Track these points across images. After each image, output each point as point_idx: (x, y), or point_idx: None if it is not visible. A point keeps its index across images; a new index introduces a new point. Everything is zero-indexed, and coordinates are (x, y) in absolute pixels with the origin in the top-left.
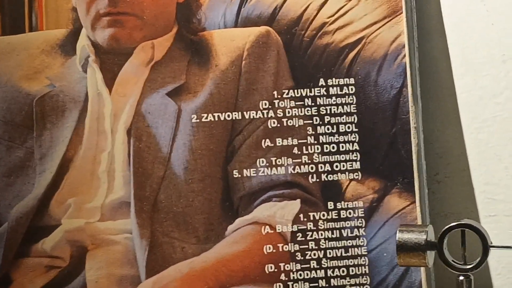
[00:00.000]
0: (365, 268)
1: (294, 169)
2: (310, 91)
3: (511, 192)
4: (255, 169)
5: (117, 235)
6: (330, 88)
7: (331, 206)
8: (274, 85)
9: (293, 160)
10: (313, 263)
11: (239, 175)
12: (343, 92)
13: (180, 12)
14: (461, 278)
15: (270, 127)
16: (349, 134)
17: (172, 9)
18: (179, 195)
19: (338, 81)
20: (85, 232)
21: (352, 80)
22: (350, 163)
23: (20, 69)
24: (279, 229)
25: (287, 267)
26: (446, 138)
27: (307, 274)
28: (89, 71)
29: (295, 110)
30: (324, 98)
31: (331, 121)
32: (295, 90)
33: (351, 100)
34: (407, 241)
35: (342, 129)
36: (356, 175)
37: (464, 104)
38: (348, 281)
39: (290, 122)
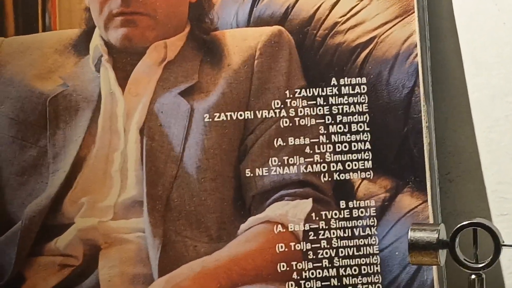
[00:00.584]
0: (377, 267)
1: (306, 168)
2: (322, 91)
3: None
4: (267, 168)
5: (129, 234)
6: (342, 88)
7: (343, 205)
8: (286, 84)
9: (305, 159)
10: (325, 261)
11: (251, 174)
12: (355, 92)
13: (192, 12)
14: (473, 276)
15: (282, 126)
16: (361, 133)
17: (184, 9)
18: (192, 194)
19: (350, 81)
20: (98, 231)
21: (364, 80)
22: (362, 162)
23: (34, 68)
24: (291, 228)
25: (299, 265)
26: (458, 137)
27: (319, 273)
28: (102, 70)
29: (307, 110)
30: (336, 97)
31: (343, 120)
32: (307, 90)
33: (363, 99)
34: (419, 239)
35: (354, 128)
36: (368, 174)
37: (476, 103)
38: (360, 280)
39: (302, 121)
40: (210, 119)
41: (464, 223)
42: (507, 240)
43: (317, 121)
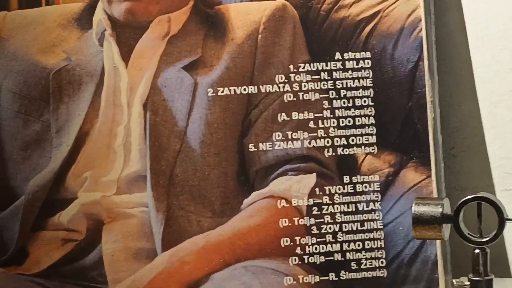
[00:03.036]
0: (380, 242)
1: (310, 143)
2: (326, 65)
3: None
4: (271, 143)
5: (133, 209)
6: (346, 62)
7: (347, 180)
8: (290, 59)
9: (309, 134)
10: (328, 237)
11: (255, 149)
12: (359, 66)
13: None
14: (477, 251)
15: (286, 101)
16: (365, 108)
17: None
18: (195, 168)
19: (354, 55)
20: (101, 205)
21: (368, 54)
22: (366, 137)
23: (37, 42)
24: (294, 203)
25: (303, 240)
26: (462, 112)
27: (323, 248)
28: (105, 44)
29: (311, 84)
30: (340, 72)
31: (347, 95)
32: (311, 64)
33: (367, 74)
34: (423, 214)
35: (358, 103)
36: (372, 149)
37: (481, 78)
38: (363, 255)
39: (306, 96)
40: (214, 94)
41: (468, 197)
42: (511, 215)
43: (321, 95)
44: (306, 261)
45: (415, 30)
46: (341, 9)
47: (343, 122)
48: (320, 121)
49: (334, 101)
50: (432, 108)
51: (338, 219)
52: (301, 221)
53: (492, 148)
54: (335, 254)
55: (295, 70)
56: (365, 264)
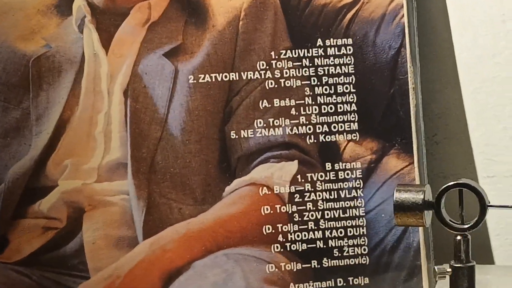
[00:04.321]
0: (363, 229)
1: (291, 130)
2: (308, 52)
3: (510, 153)
4: (252, 130)
5: (114, 196)
6: (328, 49)
7: (329, 167)
8: (271, 45)
9: (291, 121)
10: (310, 224)
11: (237, 136)
12: (341, 53)
13: None
14: (459, 237)
15: (267, 87)
16: (347, 95)
17: None
18: (176, 156)
19: (336, 42)
20: (82, 193)
21: (350, 41)
22: (348, 124)
23: (16, 29)
24: (276, 190)
25: (285, 228)
26: (444, 99)
27: (305, 235)
28: (85, 31)
29: (292, 71)
30: (322, 58)
31: (329, 82)
32: (293, 51)
33: (349, 60)
34: (404, 200)
35: (340, 89)
36: (354, 136)
37: (463, 64)
38: (345, 242)
39: (287, 83)
40: (195, 81)
41: (450, 183)
42: (494, 202)
43: (303, 82)
44: (288, 249)
45: (397, 17)
46: None
47: (325, 109)
48: (301, 108)
49: (316, 88)
50: (414, 94)
51: (320, 206)
52: (283, 209)
53: (475, 135)
54: (317, 242)
55: (277, 56)
56: (347, 252)
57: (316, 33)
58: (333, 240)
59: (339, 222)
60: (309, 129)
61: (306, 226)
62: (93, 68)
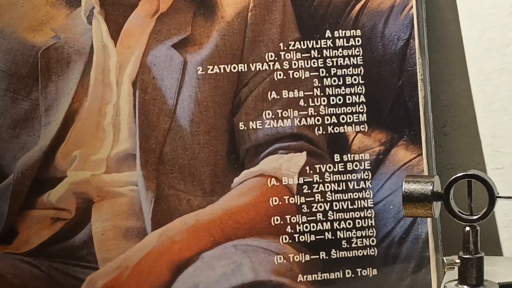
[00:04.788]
0: (371, 220)
1: (300, 121)
2: (317, 43)
3: None
4: (261, 121)
5: (122, 187)
6: (337, 40)
7: (337, 159)
8: (280, 36)
9: (299, 112)
10: (319, 215)
11: (245, 127)
12: (350, 44)
13: None
14: (467, 228)
15: (276, 79)
16: (356, 86)
17: None
18: (185, 147)
19: (345, 33)
20: (91, 184)
21: (358, 32)
22: (357, 115)
23: (25, 20)
24: (285, 182)
25: (293, 219)
26: (453, 90)
27: (313, 227)
28: (94, 22)
29: (301, 62)
30: (331, 50)
31: (338, 73)
32: (301, 42)
33: (357, 52)
34: (413, 191)
35: (349, 81)
36: (362, 127)
37: (472, 56)
38: (354, 234)
39: (296, 74)
40: (204, 72)
41: (459, 174)
42: (502, 194)
43: (311, 73)
44: (296, 240)
45: (406, 8)
46: None
47: (333, 101)
48: (310, 100)
49: (325, 79)
50: (422, 86)
51: (329, 198)
52: (292, 200)
53: (483, 126)
54: (326, 233)
55: (285, 48)
56: (356, 243)
57: (325, 25)
58: (342, 231)
59: (348, 213)
60: (318, 120)
61: (314, 218)
62: (102, 59)
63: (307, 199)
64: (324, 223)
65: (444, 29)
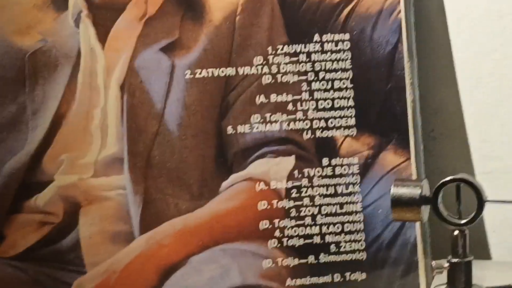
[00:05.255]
0: (360, 224)
1: (288, 125)
2: (305, 47)
3: (507, 149)
4: (249, 125)
5: (110, 191)
6: (325, 44)
7: (326, 163)
8: (268, 40)
9: (288, 116)
10: (307, 219)
11: (233, 131)
12: (338, 48)
13: None
14: (456, 232)
15: (264, 83)
16: (344, 90)
17: None
18: (173, 151)
19: (333, 37)
20: (78, 188)
21: (347, 36)
22: (345, 119)
23: (12, 24)
24: (273, 186)
25: (282, 223)
26: (441, 95)
27: (302, 231)
28: (81, 26)
29: (289, 66)
30: (319, 53)
31: (326, 77)
32: (290, 46)
33: (346, 56)
34: (401, 195)
35: (337, 85)
36: (351, 131)
37: (460, 60)
38: (343, 238)
39: (284, 78)
40: (192, 76)
41: (447, 178)
42: (491, 198)
43: (300, 77)
44: (285, 244)
45: (394, 12)
46: None
47: (321, 105)
48: (298, 103)
49: (313, 83)
50: (411, 90)
51: (317, 202)
52: (280, 204)
53: (472, 131)
54: (314, 237)
55: (273, 52)
56: (345, 247)
57: (313, 28)
58: (330, 235)
59: (336, 217)
60: (306, 124)
61: (303, 222)
62: (89, 63)
63: (295, 203)
64: (313, 227)
65: (432, 34)
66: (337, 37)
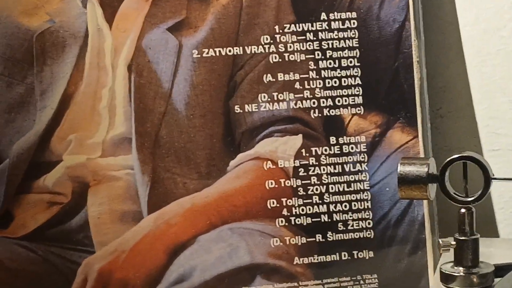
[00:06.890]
0: (367, 203)
1: (296, 104)
2: (312, 26)
3: None
4: (256, 104)
5: (118, 171)
6: (332, 22)
7: (333, 141)
8: (275, 19)
9: (295, 95)
10: (315, 198)
11: (241, 110)
12: (345, 26)
13: None
14: (463, 210)
15: (271, 62)
16: (351, 69)
17: None
18: (181, 130)
19: (340, 15)
20: (87, 168)
21: (354, 14)
22: (353, 97)
23: (20, 4)
24: (281, 164)
25: (289, 202)
26: (449, 72)
27: (309, 209)
28: (89, 6)
29: (296, 45)
30: (326, 32)
31: (333, 56)
32: (297, 25)
33: (353, 34)
34: (408, 173)
35: (344, 63)
36: (358, 110)
37: (468, 38)
38: (350, 216)
39: (291, 57)
40: (199, 55)
41: (454, 156)
42: (498, 175)
43: (307, 56)
44: (292, 223)
45: None
46: None
47: (329, 83)
48: (306, 82)
49: (320, 62)
50: (418, 68)
51: (325, 180)
52: (288, 183)
53: (479, 108)
54: (322, 216)
55: (281, 30)
56: (352, 225)
57: (320, 7)
58: (338, 214)
59: (344, 196)
60: (314, 103)
61: (310, 200)
62: (97, 43)
63: (303, 181)
64: (320, 206)
65: (440, 11)
66: (344, 15)
